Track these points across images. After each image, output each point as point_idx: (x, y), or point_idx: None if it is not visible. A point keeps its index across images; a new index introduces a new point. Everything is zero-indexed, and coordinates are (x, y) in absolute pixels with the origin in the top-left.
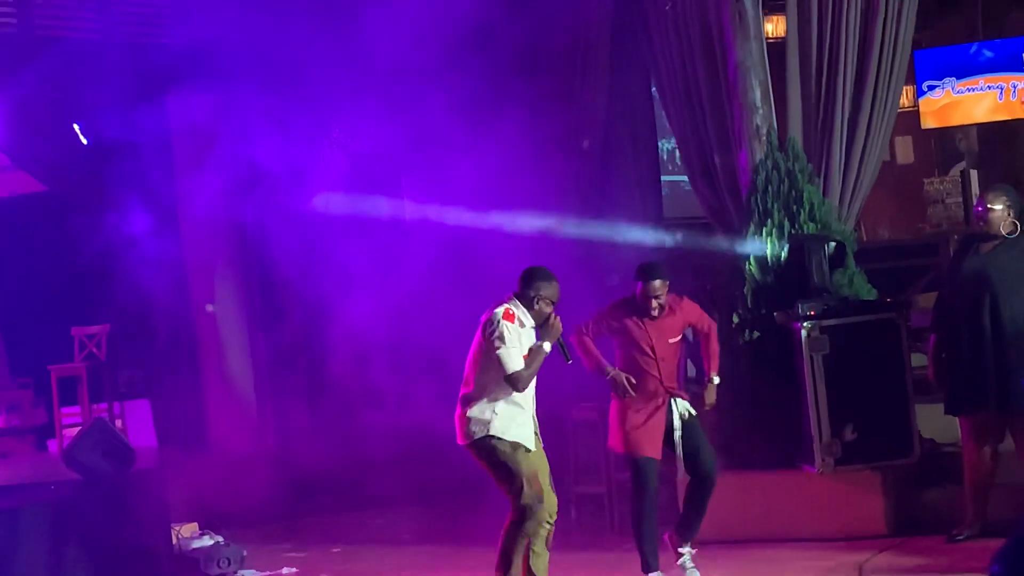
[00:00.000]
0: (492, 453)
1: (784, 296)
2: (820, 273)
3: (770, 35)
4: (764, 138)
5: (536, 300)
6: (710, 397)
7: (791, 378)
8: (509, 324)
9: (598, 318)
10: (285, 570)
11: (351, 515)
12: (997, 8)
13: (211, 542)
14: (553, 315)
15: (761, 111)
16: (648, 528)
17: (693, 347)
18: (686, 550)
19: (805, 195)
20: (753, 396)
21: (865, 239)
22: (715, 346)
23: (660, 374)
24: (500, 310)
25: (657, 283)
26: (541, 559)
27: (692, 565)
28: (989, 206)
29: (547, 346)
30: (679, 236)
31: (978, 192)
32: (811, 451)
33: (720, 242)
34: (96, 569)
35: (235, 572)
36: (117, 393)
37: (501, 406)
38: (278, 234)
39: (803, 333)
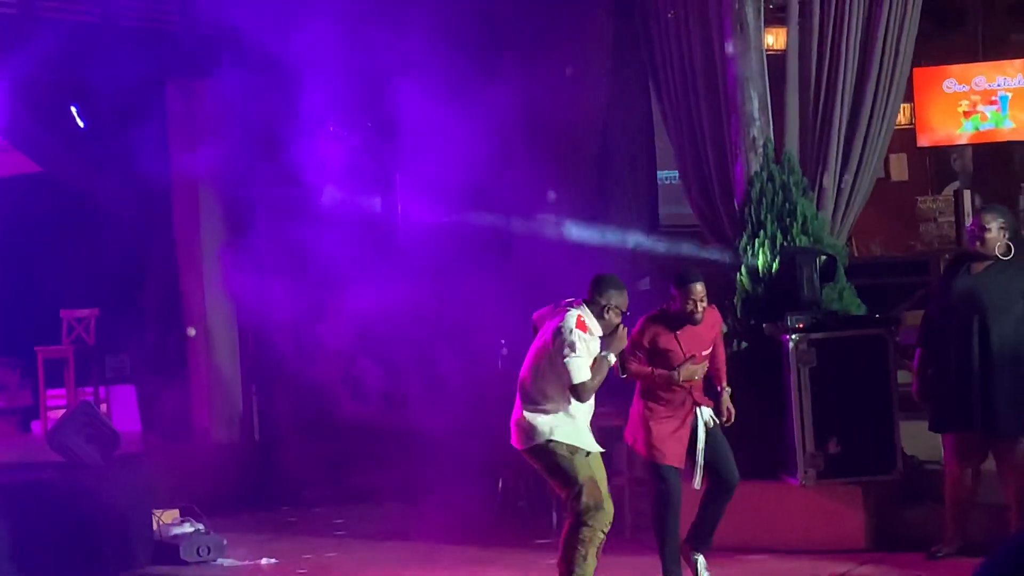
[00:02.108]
0: (551, 457)
1: (773, 308)
2: (810, 286)
3: (771, 47)
4: (760, 150)
5: (606, 309)
6: (727, 404)
7: (777, 390)
8: (581, 333)
9: (633, 344)
10: (264, 560)
11: (332, 508)
12: (999, 28)
13: (192, 529)
14: (621, 326)
15: (758, 123)
16: (672, 538)
17: None
18: (700, 558)
19: (799, 208)
20: (739, 406)
21: (857, 254)
22: (723, 354)
23: (691, 386)
24: (572, 318)
25: (699, 286)
26: (589, 567)
27: (708, 574)
28: (986, 226)
29: (612, 357)
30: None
31: (971, 212)
32: (794, 463)
33: (712, 252)
34: (76, 552)
35: (215, 560)
36: (103, 377)
37: (562, 412)
38: (271, 226)
39: (791, 345)
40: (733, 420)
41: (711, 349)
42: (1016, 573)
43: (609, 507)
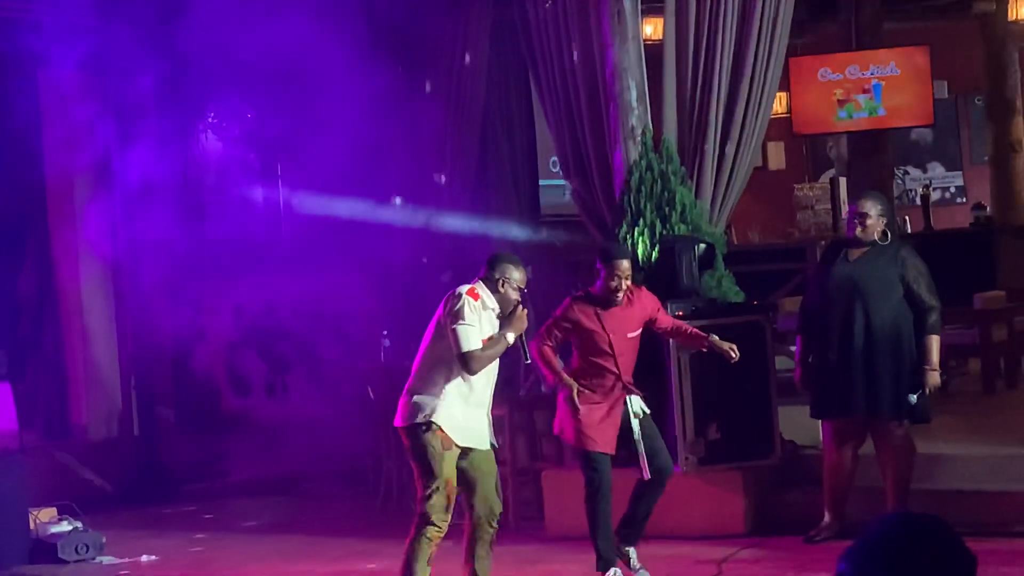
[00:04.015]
0: (420, 442)
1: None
2: (689, 274)
3: (649, 37)
4: (639, 139)
5: (501, 283)
6: (725, 346)
7: (658, 377)
8: (472, 301)
9: (554, 322)
10: (144, 557)
11: (214, 503)
12: (873, 18)
13: (70, 528)
14: (520, 307)
15: (636, 112)
16: (604, 524)
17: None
18: (631, 551)
19: (677, 197)
20: None
21: (735, 242)
22: (674, 320)
23: (618, 370)
24: (464, 288)
25: (625, 263)
26: (483, 563)
27: (640, 565)
28: (866, 212)
29: (510, 337)
30: (553, 233)
31: (847, 199)
32: (675, 449)
33: (593, 240)
34: None
35: (93, 558)
36: None
37: (449, 397)
38: (148, 218)
39: None
40: (738, 354)
41: (639, 331)
42: (885, 550)
43: (494, 503)
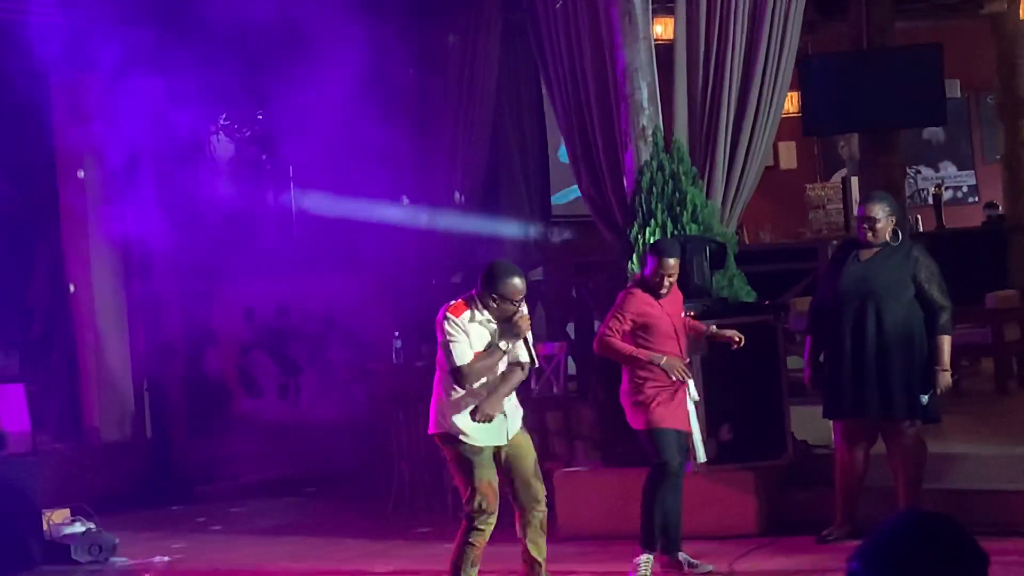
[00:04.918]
0: (451, 451)
1: None
2: (701, 274)
3: (659, 37)
4: (650, 139)
5: (495, 301)
6: (726, 332)
7: None
8: (453, 317)
9: (618, 315)
10: (157, 558)
11: (225, 505)
12: (883, 17)
13: (83, 529)
14: (517, 314)
15: (647, 112)
16: (660, 508)
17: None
18: (681, 555)
19: (689, 196)
20: None
21: (747, 242)
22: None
23: (681, 351)
24: (443, 309)
25: (672, 261)
26: (535, 544)
27: (697, 561)
28: (874, 216)
29: (503, 345)
30: (564, 233)
31: (858, 198)
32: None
33: (603, 241)
34: None
35: (107, 560)
36: None
37: (463, 402)
38: (161, 221)
39: None
40: (743, 339)
41: (683, 315)
42: (896, 549)
43: (537, 488)
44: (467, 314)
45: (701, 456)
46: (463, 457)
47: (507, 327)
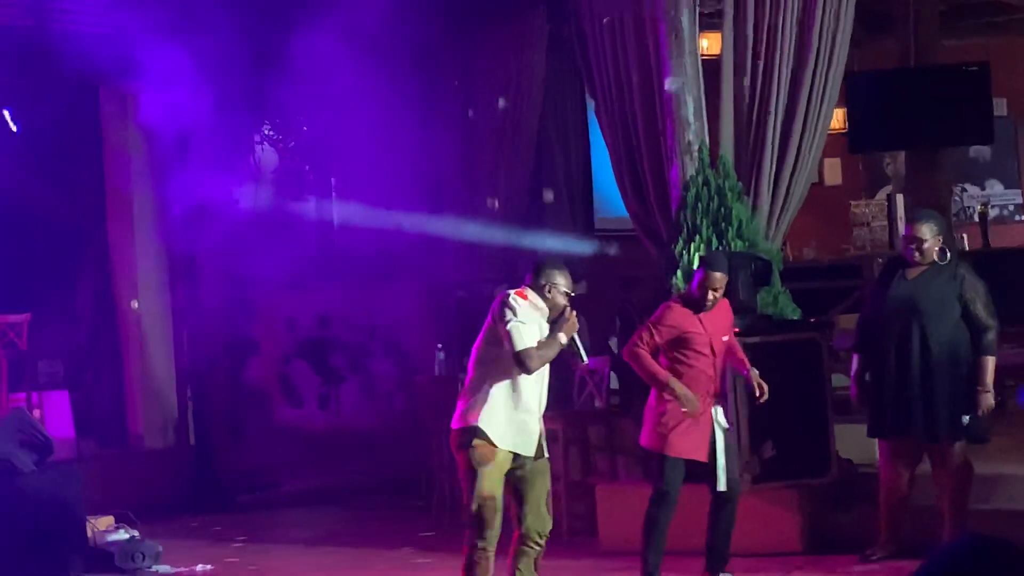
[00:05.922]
0: (464, 454)
1: None
2: (745, 291)
3: (705, 52)
4: (696, 154)
5: (548, 288)
6: (758, 380)
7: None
8: (521, 300)
9: (652, 328)
10: (199, 566)
11: (267, 513)
12: (930, 35)
13: (127, 536)
14: (569, 310)
15: (693, 127)
16: (659, 536)
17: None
18: None
19: (734, 212)
20: None
21: (791, 259)
22: (737, 344)
23: (715, 372)
24: (512, 291)
25: (719, 275)
26: None
27: None
28: (921, 236)
29: (562, 338)
30: (608, 247)
31: (903, 216)
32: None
33: (647, 255)
34: (9, 560)
35: (150, 567)
36: (36, 383)
37: (495, 397)
38: (206, 229)
39: None
40: (767, 395)
41: (728, 337)
42: (953, 573)
43: (543, 520)
44: (529, 303)
45: (722, 486)
46: (474, 466)
47: (558, 322)
